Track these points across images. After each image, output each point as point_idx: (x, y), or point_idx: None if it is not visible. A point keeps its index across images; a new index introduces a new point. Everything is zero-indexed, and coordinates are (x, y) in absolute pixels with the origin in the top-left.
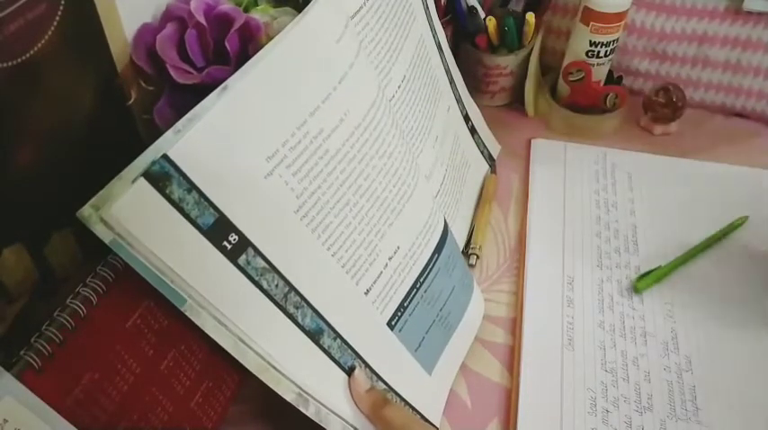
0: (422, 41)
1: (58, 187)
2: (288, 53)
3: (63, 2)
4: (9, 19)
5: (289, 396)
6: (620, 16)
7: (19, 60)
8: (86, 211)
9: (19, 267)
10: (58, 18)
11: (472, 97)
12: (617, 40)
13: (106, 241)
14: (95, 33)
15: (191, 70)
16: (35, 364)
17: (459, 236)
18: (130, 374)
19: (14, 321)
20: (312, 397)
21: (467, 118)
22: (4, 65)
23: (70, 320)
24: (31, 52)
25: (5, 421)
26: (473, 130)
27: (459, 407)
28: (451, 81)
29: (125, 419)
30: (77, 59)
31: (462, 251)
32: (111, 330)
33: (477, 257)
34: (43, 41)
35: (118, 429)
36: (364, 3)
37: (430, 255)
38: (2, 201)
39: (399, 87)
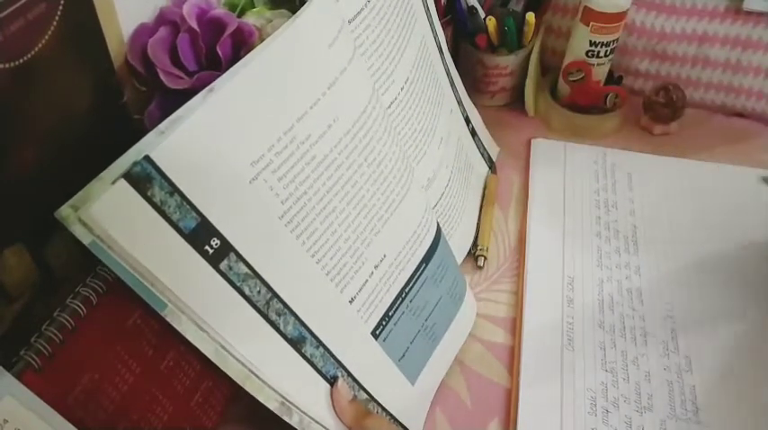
0: (424, 43)
1: (58, 187)
2: (277, 56)
3: (62, 1)
4: (9, 19)
5: (271, 404)
6: (620, 16)
7: (20, 61)
8: (65, 211)
9: (19, 267)
10: (57, 18)
11: (472, 97)
12: (617, 40)
13: (85, 243)
14: (94, 32)
15: (182, 75)
16: (35, 364)
17: (465, 237)
18: (130, 374)
19: (14, 321)
20: (295, 406)
21: (467, 120)
22: (6, 66)
23: (70, 320)
24: (32, 53)
25: (5, 421)
26: (473, 132)
27: (459, 407)
28: (452, 83)
29: (125, 419)
30: (76, 59)
31: (469, 252)
32: (111, 330)
33: (485, 259)
34: (43, 42)
35: (118, 429)
36: (365, 4)
37: (417, 264)
38: (2, 201)
39: (402, 89)
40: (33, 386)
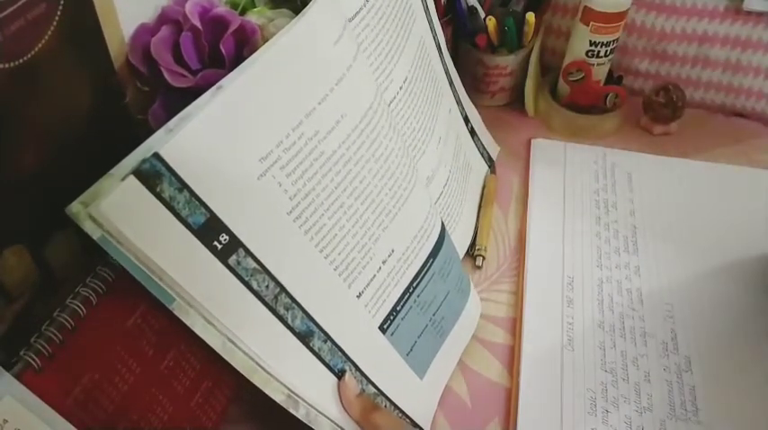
0: (422, 42)
1: (58, 187)
2: (284, 54)
3: (62, 1)
4: (9, 19)
5: (278, 397)
6: (620, 16)
7: (21, 61)
8: (75, 208)
9: (19, 267)
10: (57, 18)
11: (472, 97)
12: (617, 40)
13: (95, 238)
14: (93, 32)
15: (185, 73)
16: (35, 364)
17: (463, 237)
18: (130, 374)
19: (14, 321)
20: (302, 399)
21: (466, 119)
22: (6, 66)
23: (70, 320)
24: (32, 53)
25: (5, 421)
26: (472, 132)
27: (459, 407)
28: (451, 82)
29: (125, 419)
30: (76, 59)
31: (468, 252)
32: (111, 330)
33: (484, 258)
34: (43, 42)
35: (118, 429)
36: (364, 3)
37: (424, 259)
38: (2, 201)
39: (401, 88)
40: (33, 386)
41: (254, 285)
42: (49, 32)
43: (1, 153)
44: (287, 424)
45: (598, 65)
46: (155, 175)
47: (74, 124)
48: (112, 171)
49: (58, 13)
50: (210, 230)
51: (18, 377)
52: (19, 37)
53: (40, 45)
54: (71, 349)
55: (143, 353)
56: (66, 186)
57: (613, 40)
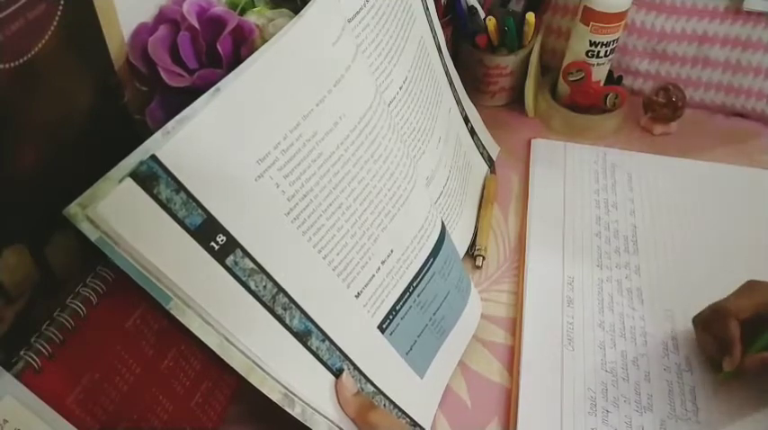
0: (422, 43)
1: (58, 187)
2: (282, 55)
3: (62, 1)
4: (9, 19)
5: (275, 396)
6: (620, 16)
7: (20, 61)
8: (73, 209)
9: (19, 267)
10: (57, 18)
11: (472, 97)
12: (617, 40)
13: (92, 239)
14: (93, 32)
15: (182, 73)
16: (35, 364)
17: (463, 237)
18: (130, 374)
19: (14, 321)
20: (298, 397)
21: (466, 119)
22: (6, 66)
23: (70, 320)
24: (32, 53)
25: (5, 421)
26: (472, 132)
27: (459, 407)
28: (451, 82)
29: (125, 419)
30: (76, 59)
31: (468, 252)
32: (111, 330)
33: (484, 258)
34: (43, 42)
35: (118, 429)
36: (364, 4)
37: (424, 259)
38: (2, 201)
39: (401, 89)
40: (33, 386)
41: (252, 285)
42: (49, 32)
43: (1, 153)
44: (287, 424)
45: (598, 65)
46: (152, 177)
47: (73, 124)
48: (110, 173)
49: (58, 13)
50: (207, 231)
51: (18, 377)
52: (19, 37)
53: (40, 45)
54: (71, 349)
55: (143, 353)
56: (66, 186)
57: (613, 41)
